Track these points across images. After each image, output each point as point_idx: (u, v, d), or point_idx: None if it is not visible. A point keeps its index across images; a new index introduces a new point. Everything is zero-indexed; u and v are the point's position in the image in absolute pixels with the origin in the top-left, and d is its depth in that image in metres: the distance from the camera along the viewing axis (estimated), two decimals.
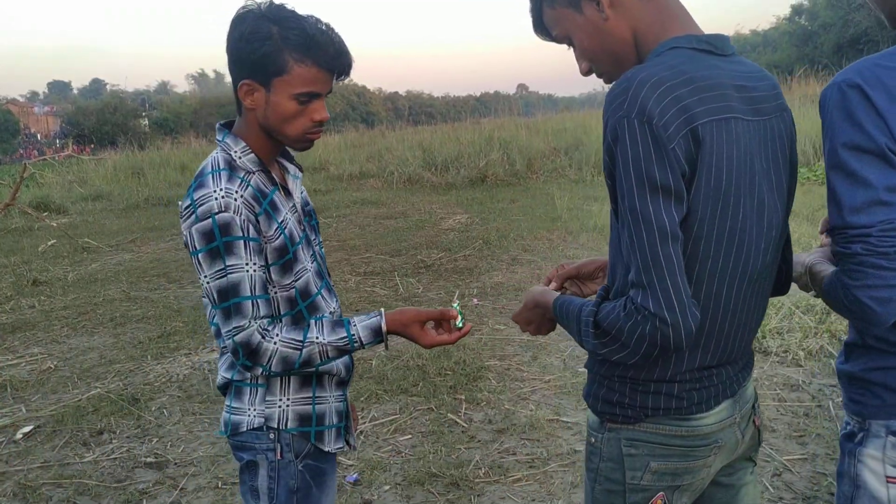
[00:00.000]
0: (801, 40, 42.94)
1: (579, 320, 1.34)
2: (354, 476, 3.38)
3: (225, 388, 1.80)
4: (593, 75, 1.48)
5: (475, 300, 6.21)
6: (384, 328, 1.68)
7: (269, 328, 1.61)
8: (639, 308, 1.20)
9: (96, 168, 20.34)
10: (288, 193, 1.77)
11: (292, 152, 1.84)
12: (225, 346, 1.74)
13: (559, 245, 8.27)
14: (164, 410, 4.36)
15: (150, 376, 4.95)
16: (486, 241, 8.63)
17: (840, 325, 4.78)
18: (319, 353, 1.64)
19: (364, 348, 1.70)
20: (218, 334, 1.76)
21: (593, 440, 1.45)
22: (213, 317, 1.75)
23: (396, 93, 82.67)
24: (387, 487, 3.31)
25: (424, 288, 6.79)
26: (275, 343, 1.60)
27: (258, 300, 1.60)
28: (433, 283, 6.94)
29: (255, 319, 1.59)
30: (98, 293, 7.42)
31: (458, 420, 3.96)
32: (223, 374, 1.77)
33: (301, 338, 1.62)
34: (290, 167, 1.83)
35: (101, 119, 50.23)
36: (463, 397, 4.24)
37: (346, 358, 1.82)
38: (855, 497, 1.42)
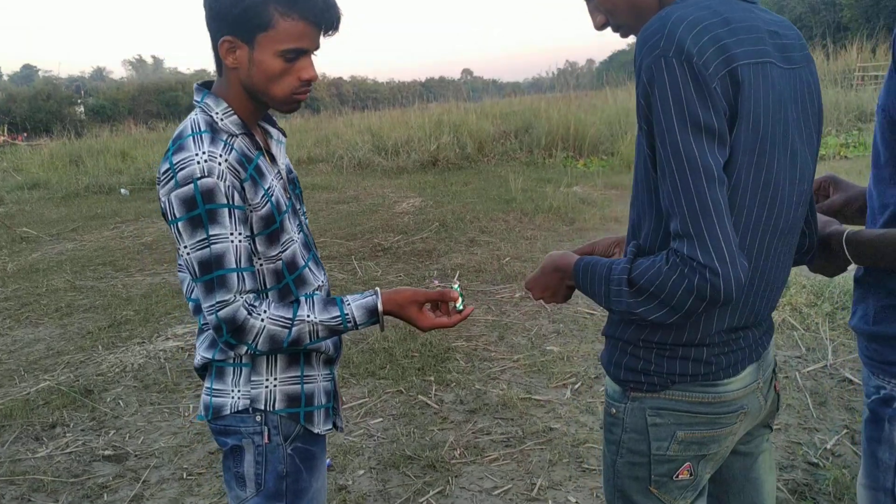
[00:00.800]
0: None
1: (609, 280, 1.25)
2: (327, 461, 3.27)
3: (204, 370, 1.68)
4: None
5: (436, 281, 6.13)
6: (380, 308, 1.59)
7: (256, 304, 1.50)
8: (685, 259, 1.11)
9: (31, 156, 19.56)
10: (272, 159, 1.66)
11: (275, 115, 1.72)
12: (205, 324, 1.63)
13: (516, 226, 8.23)
14: (120, 401, 4.17)
15: (103, 367, 4.74)
16: (442, 224, 8.53)
17: (800, 298, 4.85)
18: (309, 332, 1.54)
19: (357, 329, 1.61)
20: (197, 311, 1.64)
21: (614, 411, 1.38)
22: (192, 292, 1.63)
23: (340, 78, 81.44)
24: (361, 472, 3.21)
25: (383, 271, 6.67)
26: (262, 320, 1.49)
27: (243, 273, 1.49)
28: (392, 266, 6.83)
29: (240, 294, 1.47)
30: (41, 283, 7.10)
31: (428, 402, 3.88)
32: (202, 354, 1.65)
33: (290, 315, 1.52)
34: (273, 131, 1.71)
35: (33, 106, 48.22)
36: (432, 379, 4.16)
37: None
38: None
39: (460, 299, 1.63)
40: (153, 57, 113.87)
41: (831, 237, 1.42)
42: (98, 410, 4.05)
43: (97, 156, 18.70)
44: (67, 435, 3.78)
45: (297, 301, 1.56)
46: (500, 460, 3.24)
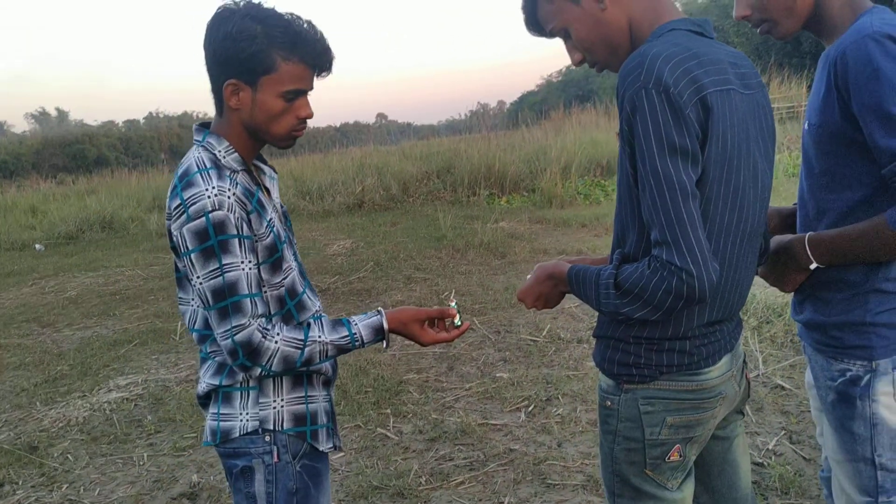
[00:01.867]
0: None
1: (598, 284, 1.42)
2: None
3: (207, 397, 1.75)
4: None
5: None
6: (386, 327, 1.71)
7: (269, 327, 1.59)
8: (664, 264, 1.28)
9: None
10: (268, 193, 1.76)
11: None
12: (211, 352, 1.70)
13: (449, 262, 8.39)
14: (69, 455, 4.07)
15: (45, 422, 4.60)
16: (377, 263, 8.63)
17: None
18: (320, 352, 1.64)
19: (364, 347, 1.72)
20: (201, 340, 1.72)
21: (609, 403, 1.53)
22: (196, 322, 1.71)
23: None
24: None
25: (325, 312, 6.68)
26: (276, 342, 1.58)
27: (255, 298, 1.58)
28: (332, 306, 6.87)
29: (254, 318, 1.57)
30: None
31: (388, 433, 3.94)
32: (208, 382, 1.71)
33: (302, 337, 1.62)
34: (266, 168, 1.82)
35: None
36: (388, 411, 4.23)
37: None
38: (874, 435, 1.53)
39: (458, 316, 1.77)
40: (57, 109, 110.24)
41: (792, 242, 1.61)
42: (47, 466, 3.94)
43: (5, 213, 18.03)
44: (18, 493, 3.67)
45: (308, 324, 1.66)
46: (466, 483, 3.34)
